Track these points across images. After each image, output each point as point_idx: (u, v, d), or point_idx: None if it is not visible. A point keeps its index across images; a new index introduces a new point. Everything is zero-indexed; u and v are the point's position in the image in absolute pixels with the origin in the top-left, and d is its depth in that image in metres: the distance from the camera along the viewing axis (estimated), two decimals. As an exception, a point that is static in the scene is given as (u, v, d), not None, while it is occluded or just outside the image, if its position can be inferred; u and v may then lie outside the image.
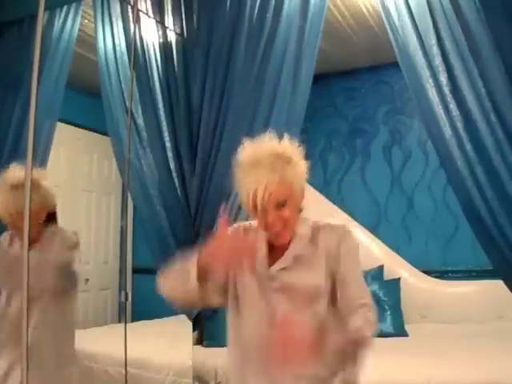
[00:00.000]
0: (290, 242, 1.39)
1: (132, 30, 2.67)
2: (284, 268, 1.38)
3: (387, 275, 3.61)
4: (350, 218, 3.97)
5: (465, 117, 1.98)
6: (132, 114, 2.60)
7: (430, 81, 2.04)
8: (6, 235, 2.11)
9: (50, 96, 2.83)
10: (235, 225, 1.52)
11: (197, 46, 2.48)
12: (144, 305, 4.35)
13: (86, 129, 4.49)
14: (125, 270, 4.73)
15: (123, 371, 2.61)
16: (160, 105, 2.57)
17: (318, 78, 2.70)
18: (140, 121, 2.64)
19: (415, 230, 3.92)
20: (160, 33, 2.61)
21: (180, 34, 2.56)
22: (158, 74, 2.59)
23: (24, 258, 1.31)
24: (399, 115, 4.10)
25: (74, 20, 2.93)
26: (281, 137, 1.37)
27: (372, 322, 1.32)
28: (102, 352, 2.92)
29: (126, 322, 3.00)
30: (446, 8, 2.00)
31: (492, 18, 1.90)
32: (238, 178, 1.34)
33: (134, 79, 2.60)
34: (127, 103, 2.63)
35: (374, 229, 3.96)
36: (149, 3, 2.66)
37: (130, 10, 2.72)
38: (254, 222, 1.43)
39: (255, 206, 1.30)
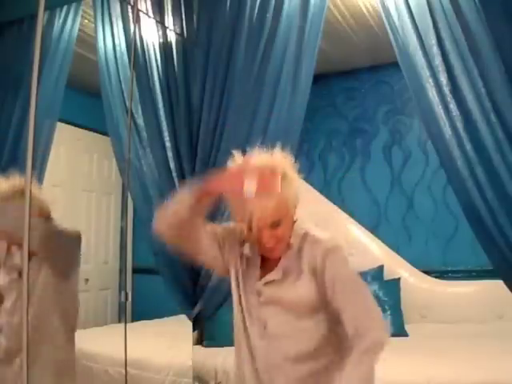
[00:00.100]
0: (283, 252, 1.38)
1: (132, 30, 2.67)
2: (272, 281, 1.36)
3: (387, 275, 3.61)
4: (350, 218, 3.98)
5: (465, 117, 1.98)
6: (132, 113, 2.60)
7: (430, 81, 2.04)
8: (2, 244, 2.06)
9: (49, 96, 2.83)
10: (231, 224, 1.52)
11: (197, 46, 2.48)
12: (144, 305, 4.35)
13: (85, 129, 4.48)
14: (125, 269, 4.73)
15: (123, 371, 2.61)
16: (160, 105, 2.57)
17: (318, 78, 2.69)
18: (140, 121, 2.64)
19: (415, 230, 3.92)
20: (160, 33, 2.61)
21: (180, 34, 2.56)
22: (158, 74, 2.59)
23: (24, 261, 1.31)
24: (399, 115, 4.10)
25: (73, 20, 2.93)
26: (272, 149, 1.34)
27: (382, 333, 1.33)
28: (101, 352, 2.92)
29: (125, 322, 3.00)
30: (445, 8, 2.00)
31: (492, 18, 1.90)
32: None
33: (134, 79, 2.60)
34: (127, 103, 2.63)
35: (374, 229, 3.96)
36: (149, 3, 2.66)
37: (130, 9, 2.72)
38: None
39: (250, 228, 1.29)
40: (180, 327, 2.79)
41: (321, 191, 4.12)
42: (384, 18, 2.17)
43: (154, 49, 2.62)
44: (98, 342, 3.04)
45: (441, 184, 3.72)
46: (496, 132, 1.92)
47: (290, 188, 1.32)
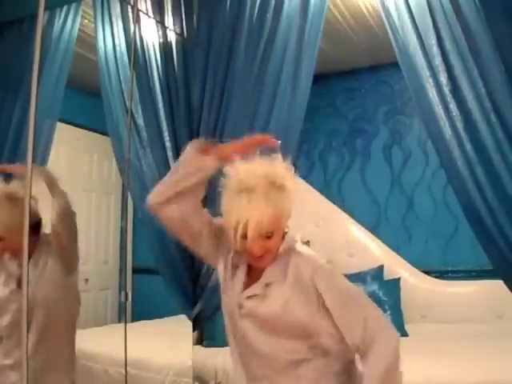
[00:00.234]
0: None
1: (132, 30, 2.67)
2: (254, 295, 1.34)
3: (387, 275, 3.61)
4: (350, 218, 3.98)
5: (465, 117, 1.98)
6: (132, 113, 2.60)
7: (430, 81, 2.04)
8: None
9: (49, 96, 2.83)
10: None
11: (197, 46, 2.48)
12: (144, 305, 4.35)
13: (86, 129, 4.48)
14: (125, 269, 4.73)
15: (123, 371, 2.61)
16: (160, 105, 2.57)
17: (318, 78, 2.70)
18: (140, 121, 2.64)
19: (415, 230, 3.92)
20: (160, 33, 2.61)
21: (180, 34, 2.56)
22: (158, 74, 2.59)
23: (24, 261, 1.31)
24: (399, 115, 4.10)
25: (73, 20, 2.93)
26: (272, 159, 1.31)
27: (390, 338, 1.35)
28: (101, 352, 2.92)
29: (125, 322, 3.00)
30: (446, 8, 2.00)
31: (492, 18, 1.90)
32: (227, 201, 1.28)
33: (134, 79, 2.60)
34: (127, 103, 2.63)
35: (374, 229, 3.96)
36: (149, 3, 2.66)
37: (130, 9, 2.73)
38: None
39: (243, 236, 1.25)
40: (180, 327, 2.79)
41: (321, 191, 4.12)
42: (384, 18, 2.17)
43: (154, 49, 2.62)
44: (98, 341, 3.04)
45: (441, 184, 3.72)
46: (496, 132, 1.92)
47: (287, 200, 1.29)
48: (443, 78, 2.01)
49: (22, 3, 2.92)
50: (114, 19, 2.78)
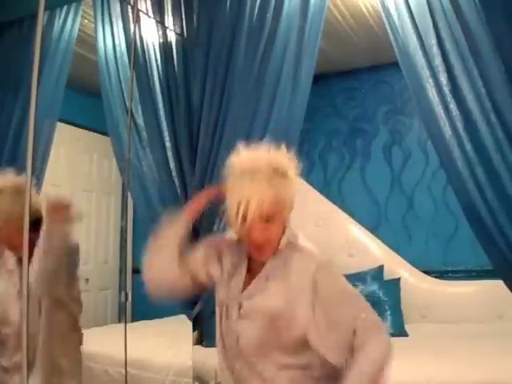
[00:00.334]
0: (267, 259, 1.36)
1: (132, 30, 2.66)
2: (253, 293, 1.34)
3: (387, 275, 3.61)
4: (350, 218, 3.98)
5: (465, 117, 1.98)
6: (132, 113, 2.60)
7: (430, 81, 2.04)
8: None
9: (50, 96, 2.83)
10: (222, 236, 1.54)
11: (197, 46, 2.48)
12: (144, 305, 4.33)
13: (86, 129, 4.49)
14: (125, 269, 4.73)
15: (123, 371, 2.61)
16: (160, 105, 2.57)
17: (318, 78, 2.70)
18: (140, 121, 2.64)
19: (415, 230, 3.92)
20: (160, 33, 2.61)
21: (180, 34, 2.56)
22: (158, 73, 2.59)
23: (24, 260, 1.31)
24: (399, 115, 4.10)
25: (73, 20, 2.93)
26: (278, 147, 1.33)
27: (381, 337, 1.28)
28: (102, 352, 2.92)
29: (125, 322, 3.00)
30: (446, 8, 2.00)
31: (492, 18, 1.90)
32: (230, 185, 1.30)
33: (134, 79, 2.60)
34: (127, 103, 2.63)
35: (374, 229, 3.96)
36: (149, 3, 2.65)
37: (130, 9, 2.72)
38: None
39: (244, 218, 1.25)
40: (180, 327, 2.79)
41: (321, 191, 4.12)
42: (384, 18, 2.17)
43: (154, 49, 2.62)
44: (98, 341, 3.04)
45: (441, 184, 3.72)
46: (496, 132, 1.92)
47: (290, 188, 1.30)
48: (443, 78, 2.01)
49: (21, 3, 2.92)
50: (114, 19, 2.77)
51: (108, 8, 2.80)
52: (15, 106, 2.91)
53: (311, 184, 4.05)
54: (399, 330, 3.25)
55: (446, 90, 2.01)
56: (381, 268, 3.63)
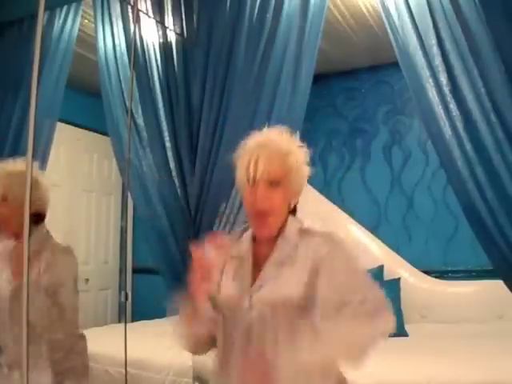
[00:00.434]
0: (274, 245, 1.36)
1: (132, 30, 2.66)
2: (265, 282, 1.33)
3: (387, 275, 3.61)
4: (350, 218, 3.98)
5: (465, 117, 1.98)
6: (132, 113, 2.60)
7: (430, 81, 2.04)
8: None
9: (50, 96, 2.83)
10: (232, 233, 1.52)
11: (197, 46, 2.48)
12: (144, 305, 4.36)
13: (85, 129, 4.49)
14: (125, 269, 4.73)
15: (123, 371, 2.61)
16: (160, 105, 2.57)
17: (318, 78, 2.70)
18: (140, 121, 2.64)
19: (415, 230, 3.92)
20: (160, 33, 2.61)
21: (180, 34, 2.56)
22: (158, 73, 2.59)
23: (25, 259, 1.31)
24: (399, 115, 4.10)
25: (74, 20, 2.93)
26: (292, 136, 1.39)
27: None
28: (101, 352, 2.92)
29: (125, 322, 3.00)
30: (446, 8, 2.00)
31: (492, 18, 1.90)
32: (242, 152, 1.35)
33: (134, 79, 2.60)
34: (127, 103, 2.63)
35: (374, 229, 3.96)
36: (149, 3, 2.66)
37: (130, 9, 2.72)
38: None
39: (248, 179, 1.30)
40: (180, 327, 2.79)
41: (321, 191, 4.12)
42: (384, 18, 2.17)
43: (154, 49, 2.62)
44: (98, 341, 3.04)
45: (441, 184, 3.72)
46: (496, 132, 1.92)
47: (298, 165, 1.34)
48: (443, 78, 2.01)
49: (21, 3, 2.92)
50: (114, 19, 2.78)
51: (108, 8, 2.80)
52: (15, 106, 2.92)
53: (311, 184, 4.05)
54: (399, 330, 3.24)
55: (446, 90, 2.01)
56: (381, 268, 3.63)
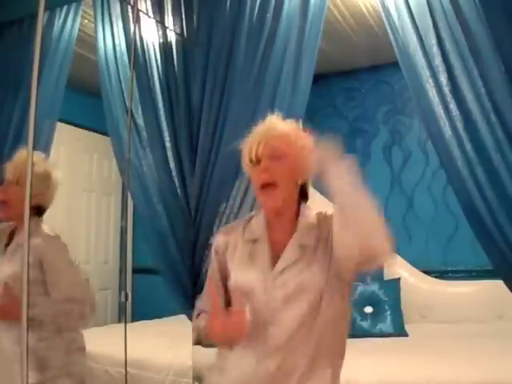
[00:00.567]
0: (291, 233, 1.38)
1: (132, 30, 2.66)
2: (287, 266, 1.34)
3: (387, 275, 3.61)
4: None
5: (465, 117, 1.98)
6: (132, 113, 2.60)
7: (430, 81, 2.04)
8: None
9: (50, 96, 2.83)
10: (236, 222, 1.54)
11: (197, 46, 2.48)
12: (144, 305, 4.36)
13: (85, 129, 4.49)
14: (125, 269, 4.74)
15: (123, 371, 2.61)
16: (160, 105, 2.57)
17: (318, 78, 2.69)
18: (140, 121, 2.64)
19: (415, 230, 3.92)
20: (160, 33, 2.61)
21: (180, 34, 2.56)
22: (158, 73, 2.59)
23: (24, 264, 1.30)
24: (399, 115, 4.10)
25: (74, 20, 2.93)
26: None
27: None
28: (101, 352, 2.92)
29: (125, 322, 3.00)
30: (446, 8, 2.00)
31: (492, 18, 1.90)
32: (245, 144, 1.39)
33: (134, 79, 2.60)
34: (127, 103, 2.63)
35: (374, 229, 3.95)
36: (149, 3, 2.65)
37: (130, 9, 2.72)
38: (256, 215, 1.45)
39: (252, 158, 1.35)
40: (180, 327, 2.78)
41: (321, 191, 4.11)
42: (384, 18, 2.17)
43: (154, 49, 2.62)
44: (98, 341, 3.04)
45: (441, 184, 3.72)
46: (496, 132, 1.92)
47: (300, 139, 1.37)
48: (443, 78, 2.01)
49: (21, 3, 2.92)
50: (114, 19, 2.77)
51: (108, 8, 2.80)
52: (15, 106, 2.91)
53: (311, 184, 4.05)
54: (399, 330, 3.25)
55: (446, 90, 2.01)
56: (381, 268, 3.63)
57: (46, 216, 2.06)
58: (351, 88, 4.30)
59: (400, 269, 3.72)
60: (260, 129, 1.39)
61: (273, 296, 1.32)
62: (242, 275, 1.38)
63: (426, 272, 3.74)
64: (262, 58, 2.31)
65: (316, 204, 1.51)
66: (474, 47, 1.94)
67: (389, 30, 2.15)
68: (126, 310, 4.39)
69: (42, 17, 1.49)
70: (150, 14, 2.65)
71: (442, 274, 3.74)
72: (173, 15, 2.59)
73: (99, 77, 2.79)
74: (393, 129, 4.12)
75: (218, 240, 1.47)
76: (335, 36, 3.48)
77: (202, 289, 2.49)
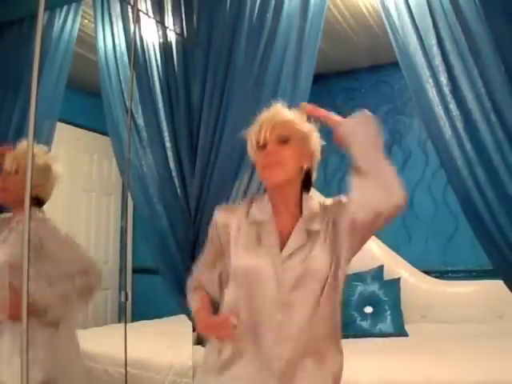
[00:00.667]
0: (296, 219, 1.40)
1: (132, 30, 2.66)
2: (292, 252, 1.36)
3: (387, 275, 3.61)
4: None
5: (465, 117, 1.98)
6: (132, 113, 2.60)
7: (430, 81, 2.04)
8: None
9: (50, 96, 2.83)
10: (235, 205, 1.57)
11: (197, 46, 2.48)
12: (144, 305, 4.36)
13: (85, 129, 4.49)
14: (125, 269, 4.73)
15: (123, 371, 2.61)
16: (160, 105, 2.57)
17: (318, 78, 2.69)
18: (140, 121, 2.63)
19: (415, 230, 3.92)
20: (160, 33, 2.61)
21: (180, 34, 2.56)
22: (158, 73, 2.59)
23: (25, 257, 1.31)
24: (399, 115, 4.10)
25: (74, 20, 2.93)
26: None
27: None
28: (102, 352, 2.92)
29: (125, 322, 3.00)
30: (446, 8, 1.99)
31: (492, 18, 1.90)
32: (250, 130, 1.43)
33: (134, 79, 2.60)
34: (127, 103, 2.63)
35: (373, 229, 3.96)
36: (149, 3, 2.65)
37: (130, 9, 2.72)
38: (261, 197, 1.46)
39: (258, 141, 1.37)
40: (180, 327, 2.79)
41: (321, 191, 4.10)
42: (384, 18, 2.17)
43: (154, 49, 2.62)
44: (98, 341, 3.04)
45: (441, 184, 3.72)
46: (496, 132, 1.92)
47: (305, 126, 1.43)
48: (443, 78, 2.01)
49: (22, 3, 2.92)
50: (114, 19, 2.77)
51: (108, 8, 2.80)
52: (15, 106, 2.91)
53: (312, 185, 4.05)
54: (399, 330, 3.25)
55: (446, 90, 2.01)
56: (381, 268, 3.63)
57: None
58: (351, 88, 4.30)
59: (400, 269, 3.72)
60: (265, 115, 1.42)
61: (281, 279, 1.33)
62: (248, 257, 1.37)
63: (426, 272, 3.74)
64: (262, 57, 2.31)
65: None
66: (474, 47, 1.94)
67: (389, 30, 2.15)
68: (126, 310, 4.39)
69: (41, 17, 1.49)
70: (150, 14, 2.65)
71: (442, 274, 3.74)
72: (173, 15, 2.58)
73: (99, 77, 2.79)
74: (393, 129, 4.12)
75: (219, 216, 1.48)
76: (335, 36, 3.48)
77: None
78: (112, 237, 4.85)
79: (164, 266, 2.60)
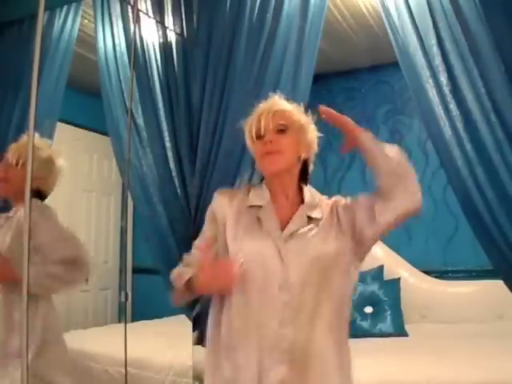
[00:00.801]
0: (296, 207, 1.43)
1: (132, 30, 2.66)
2: (293, 233, 1.38)
3: (387, 275, 3.61)
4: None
5: (465, 117, 1.98)
6: (132, 113, 2.60)
7: (430, 81, 2.04)
8: None
9: (50, 96, 2.83)
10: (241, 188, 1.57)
11: (197, 46, 2.48)
12: (144, 305, 4.36)
13: (85, 129, 4.49)
14: (125, 269, 4.73)
15: (123, 371, 2.61)
16: (160, 105, 2.57)
17: (318, 78, 2.69)
18: (140, 121, 2.63)
19: (415, 230, 3.92)
20: (160, 33, 2.61)
21: (180, 34, 2.56)
22: (158, 73, 2.59)
23: (25, 256, 1.31)
24: (399, 115, 4.10)
25: (74, 20, 2.93)
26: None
27: None
28: (101, 352, 2.92)
29: (125, 322, 3.00)
30: (446, 8, 2.00)
31: (492, 18, 1.90)
32: (248, 121, 1.46)
33: (134, 79, 2.60)
34: (127, 103, 2.63)
35: (373, 229, 3.96)
36: (149, 3, 2.65)
37: (130, 9, 2.72)
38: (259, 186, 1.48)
39: (257, 130, 1.40)
40: (180, 327, 2.79)
41: (321, 191, 4.10)
42: (384, 18, 2.17)
43: (154, 49, 2.62)
44: (98, 342, 3.05)
45: (441, 184, 3.72)
46: (496, 132, 1.92)
47: (302, 117, 1.46)
48: (443, 78, 2.01)
49: (22, 3, 2.92)
50: (114, 19, 2.77)
51: (108, 8, 2.80)
52: (15, 106, 2.91)
53: (311, 184, 4.05)
54: (399, 330, 3.25)
55: (446, 90, 2.01)
56: (381, 268, 3.63)
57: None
58: (351, 88, 4.30)
59: (400, 269, 3.72)
60: (263, 105, 1.45)
61: (284, 260, 1.34)
62: (251, 240, 1.39)
63: (426, 272, 3.74)
64: (262, 57, 2.31)
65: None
66: (474, 47, 1.94)
67: (389, 30, 2.15)
68: (126, 310, 4.40)
69: (41, 17, 1.49)
70: (150, 14, 2.65)
71: (442, 274, 3.74)
72: (173, 15, 2.58)
73: (99, 77, 2.79)
74: (393, 129, 4.12)
75: (217, 199, 1.48)
76: (335, 36, 3.48)
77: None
78: (112, 237, 4.85)
79: (164, 265, 2.60)
